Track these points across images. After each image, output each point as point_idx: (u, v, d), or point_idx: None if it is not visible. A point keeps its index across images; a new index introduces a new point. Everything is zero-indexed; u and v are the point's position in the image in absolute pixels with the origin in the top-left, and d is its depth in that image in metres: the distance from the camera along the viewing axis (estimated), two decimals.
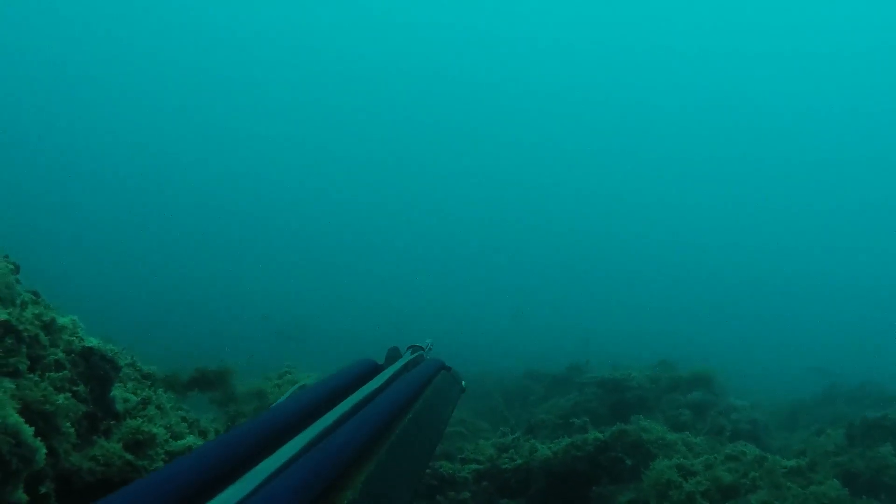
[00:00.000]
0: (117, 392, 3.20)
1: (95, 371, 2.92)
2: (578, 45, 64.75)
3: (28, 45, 51.16)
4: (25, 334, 2.68)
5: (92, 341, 2.95)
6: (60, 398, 2.66)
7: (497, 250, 47.77)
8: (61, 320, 2.91)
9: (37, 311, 2.81)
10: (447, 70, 64.33)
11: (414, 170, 58.87)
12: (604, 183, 57.61)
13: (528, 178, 57.77)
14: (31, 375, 2.67)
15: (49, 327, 2.83)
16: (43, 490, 2.48)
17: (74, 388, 2.82)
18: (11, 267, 3.84)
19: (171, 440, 2.97)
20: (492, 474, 5.31)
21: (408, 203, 54.97)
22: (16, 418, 2.17)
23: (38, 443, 2.23)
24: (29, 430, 2.20)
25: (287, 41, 62.67)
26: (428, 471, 5.20)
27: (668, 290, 40.35)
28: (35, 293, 3.51)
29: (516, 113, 63.07)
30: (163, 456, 2.92)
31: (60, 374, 2.76)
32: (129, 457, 2.83)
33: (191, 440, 3.26)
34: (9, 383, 2.54)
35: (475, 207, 54.19)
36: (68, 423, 2.69)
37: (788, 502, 4.97)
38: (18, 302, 2.84)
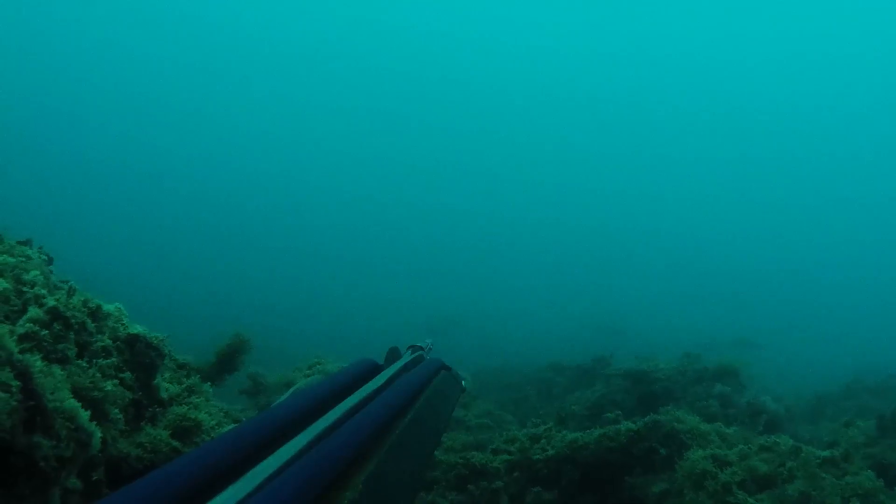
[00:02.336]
0: (159, 380, 3.19)
1: (141, 358, 2.92)
2: (583, 46, 64.57)
3: (64, 53, 51.82)
4: (73, 321, 2.67)
5: (137, 328, 2.95)
6: (109, 385, 2.66)
7: (521, 245, 47.95)
8: (107, 307, 2.91)
9: (83, 298, 2.81)
10: (470, 71, 64.32)
11: (452, 173, 59.42)
12: (626, 179, 57.66)
13: (554, 175, 58.08)
14: (80, 362, 2.66)
15: (95, 314, 2.83)
16: (95, 477, 2.48)
17: (121, 375, 2.82)
18: (45, 258, 3.85)
19: (216, 427, 2.96)
20: (524, 465, 5.29)
21: (435, 204, 55.62)
22: (72, 402, 2.16)
23: (93, 427, 2.22)
24: (85, 415, 2.19)
25: (292, 42, 62.87)
26: (460, 460, 5.18)
27: (687, 283, 40.25)
28: (70, 285, 3.51)
29: (541, 111, 63.14)
30: None
31: (108, 361, 2.76)
32: (175, 443, 2.82)
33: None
34: (58, 370, 2.53)
35: (503, 206, 54.57)
36: (116, 410, 2.68)
37: (825, 493, 4.90)
38: (65, 289, 2.84)
